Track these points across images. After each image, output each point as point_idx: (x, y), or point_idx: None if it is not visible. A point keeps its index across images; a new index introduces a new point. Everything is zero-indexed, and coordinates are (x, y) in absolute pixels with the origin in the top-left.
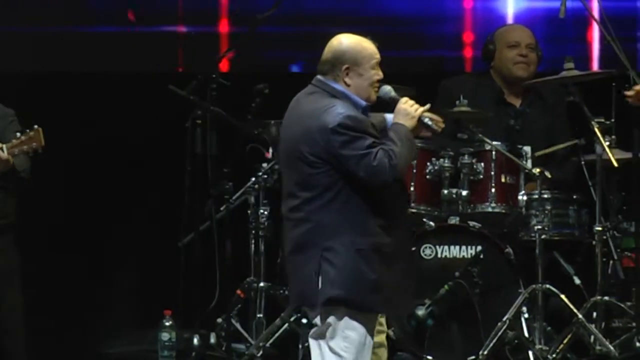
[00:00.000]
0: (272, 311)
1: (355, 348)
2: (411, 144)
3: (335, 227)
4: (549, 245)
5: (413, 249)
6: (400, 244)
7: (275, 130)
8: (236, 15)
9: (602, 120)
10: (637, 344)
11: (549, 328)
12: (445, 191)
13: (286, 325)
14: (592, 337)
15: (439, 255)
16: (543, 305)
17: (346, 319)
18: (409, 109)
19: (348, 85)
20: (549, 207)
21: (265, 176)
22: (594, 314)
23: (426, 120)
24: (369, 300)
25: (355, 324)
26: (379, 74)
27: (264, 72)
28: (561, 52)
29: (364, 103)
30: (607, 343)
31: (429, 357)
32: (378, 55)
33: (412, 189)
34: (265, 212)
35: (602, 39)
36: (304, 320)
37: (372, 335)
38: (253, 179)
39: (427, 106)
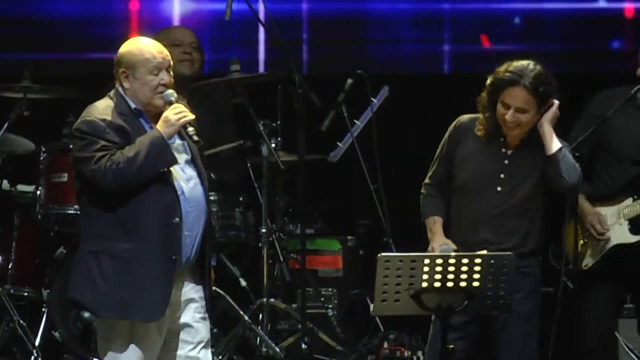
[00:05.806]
0: None
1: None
2: (159, 150)
3: (82, 231)
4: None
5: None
6: (153, 249)
7: None
8: None
9: (269, 122)
10: (303, 345)
11: (215, 330)
12: None
13: None
14: (258, 339)
15: None
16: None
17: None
18: (170, 116)
19: (126, 89)
20: (214, 209)
21: None
22: (260, 316)
23: (189, 130)
24: (98, 303)
25: (102, 326)
26: (162, 79)
27: None
28: (228, 54)
29: (134, 106)
30: (273, 345)
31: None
32: (159, 60)
33: None
34: None
35: (269, 41)
36: None
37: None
38: None
39: (191, 117)
